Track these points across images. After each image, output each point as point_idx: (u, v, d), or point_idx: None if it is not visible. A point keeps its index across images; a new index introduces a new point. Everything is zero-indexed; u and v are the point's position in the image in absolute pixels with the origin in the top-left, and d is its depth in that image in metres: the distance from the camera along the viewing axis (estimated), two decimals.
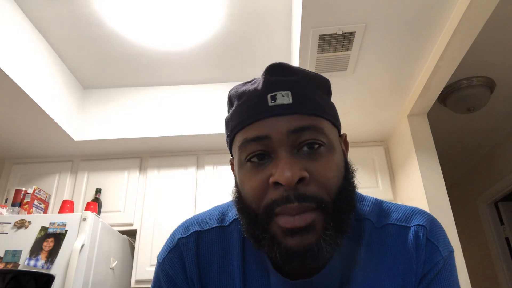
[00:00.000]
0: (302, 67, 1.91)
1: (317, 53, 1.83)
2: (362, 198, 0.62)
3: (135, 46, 2.27)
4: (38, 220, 1.98)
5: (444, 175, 2.21)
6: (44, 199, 2.41)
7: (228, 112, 0.58)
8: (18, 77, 1.95)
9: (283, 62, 0.55)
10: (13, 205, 2.24)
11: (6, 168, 2.67)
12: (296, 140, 0.49)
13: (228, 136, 0.57)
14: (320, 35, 1.73)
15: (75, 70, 2.48)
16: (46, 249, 1.89)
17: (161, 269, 0.61)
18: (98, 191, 2.50)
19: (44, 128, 2.34)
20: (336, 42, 1.77)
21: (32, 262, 1.86)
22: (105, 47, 2.28)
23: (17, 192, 2.29)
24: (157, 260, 0.63)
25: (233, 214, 0.62)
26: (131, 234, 2.50)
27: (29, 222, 1.97)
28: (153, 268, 2.30)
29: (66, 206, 2.29)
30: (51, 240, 1.91)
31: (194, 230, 0.61)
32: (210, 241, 0.60)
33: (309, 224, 0.47)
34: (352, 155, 2.61)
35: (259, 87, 0.53)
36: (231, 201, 0.64)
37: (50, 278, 0.78)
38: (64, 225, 1.95)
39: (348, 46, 1.79)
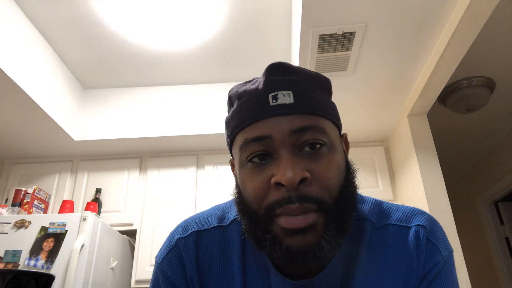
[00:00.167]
0: (302, 67, 1.91)
1: (317, 53, 1.83)
2: (362, 199, 0.62)
3: (135, 46, 2.27)
4: (38, 220, 1.98)
5: (444, 175, 2.21)
6: (44, 199, 2.41)
7: (228, 112, 0.58)
8: (18, 77, 1.95)
9: (283, 61, 0.54)
10: (13, 205, 2.24)
11: (6, 168, 2.67)
12: (297, 140, 0.49)
13: (228, 136, 0.56)
14: (320, 35, 1.73)
15: (75, 70, 2.48)
16: (46, 249, 1.89)
17: (160, 270, 0.60)
18: (98, 191, 2.50)
19: (44, 128, 2.34)
20: (336, 42, 1.77)
21: (32, 262, 1.86)
22: (105, 47, 2.28)
23: (17, 192, 2.29)
24: (156, 260, 0.62)
25: (233, 213, 0.62)
26: (131, 234, 2.50)
27: (29, 222, 1.97)
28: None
29: (66, 206, 2.29)
30: (51, 240, 1.91)
31: (194, 230, 0.61)
32: (210, 241, 0.60)
33: (310, 224, 0.47)
34: (352, 155, 2.60)
35: (260, 86, 0.52)
36: (230, 200, 0.64)
37: (50, 278, 0.78)
38: (64, 225, 1.95)
39: (348, 46, 1.79)
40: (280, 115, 0.50)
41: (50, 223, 1.96)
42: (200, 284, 0.58)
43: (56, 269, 1.84)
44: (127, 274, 2.39)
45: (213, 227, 0.61)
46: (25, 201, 2.27)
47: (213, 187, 2.54)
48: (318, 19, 1.65)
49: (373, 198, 0.62)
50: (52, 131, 2.37)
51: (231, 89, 0.58)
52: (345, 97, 2.18)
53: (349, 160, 0.57)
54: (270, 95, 0.51)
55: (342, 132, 0.59)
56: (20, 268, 1.84)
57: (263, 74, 0.53)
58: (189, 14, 2.05)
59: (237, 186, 0.55)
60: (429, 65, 1.89)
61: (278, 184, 0.47)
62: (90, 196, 2.51)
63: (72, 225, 1.95)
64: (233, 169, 0.60)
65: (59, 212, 2.31)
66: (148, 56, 2.36)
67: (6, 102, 2.09)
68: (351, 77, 2.02)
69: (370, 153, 2.63)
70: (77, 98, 2.57)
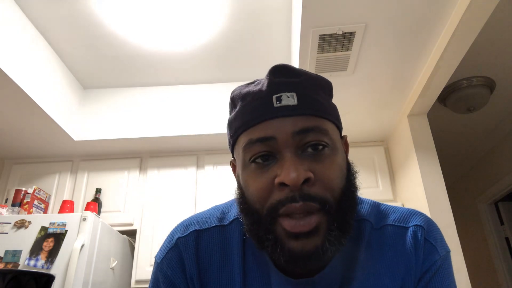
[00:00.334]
0: (302, 67, 1.91)
1: (317, 53, 1.83)
2: (360, 201, 0.62)
3: (135, 46, 2.27)
4: (38, 220, 1.98)
5: (444, 175, 2.21)
6: (44, 199, 2.41)
7: (231, 113, 0.58)
8: (18, 77, 1.95)
9: (286, 63, 0.55)
10: (13, 205, 2.24)
11: (6, 168, 2.67)
12: (300, 141, 0.50)
13: (231, 137, 0.57)
14: (320, 35, 1.73)
15: (75, 70, 2.48)
16: (46, 249, 1.89)
17: (160, 270, 0.60)
18: (98, 191, 2.50)
19: (44, 128, 2.34)
20: (336, 42, 1.77)
21: (32, 262, 1.86)
22: (105, 47, 2.28)
23: (17, 192, 2.29)
24: (155, 260, 0.62)
25: (233, 213, 0.62)
26: (131, 234, 2.50)
27: (29, 222, 1.97)
28: None
29: (66, 206, 2.29)
30: (51, 240, 1.91)
31: (193, 229, 0.61)
32: (210, 240, 0.60)
33: (313, 228, 0.48)
34: (352, 155, 2.60)
35: (264, 88, 0.53)
36: (231, 201, 0.64)
37: (50, 278, 0.78)
38: (64, 225, 1.95)
39: (348, 46, 1.79)
40: (284, 116, 0.50)
41: (50, 223, 1.96)
42: (200, 284, 0.58)
43: (56, 269, 1.84)
44: (127, 274, 2.39)
45: (213, 227, 0.61)
46: (25, 201, 2.27)
47: (213, 187, 2.54)
48: (318, 19, 1.65)
49: (371, 200, 0.63)
50: (52, 131, 2.37)
51: (234, 90, 0.58)
52: (345, 97, 2.18)
53: (350, 161, 0.57)
54: (274, 97, 0.51)
55: (343, 134, 0.59)
56: (20, 268, 1.84)
57: (267, 76, 0.54)
58: (189, 15, 2.05)
59: (240, 186, 0.55)
60: (429, 65, 1.89)
61: (282, 184, 0.48)
62: (90, 196, 2.51)
63: (72, 225, 1.95)
64: (234, 170, 0.61)
65: (59, 212, 2.31)
66: (148, 56, 2.36)
67: (6, 102, 2.09)
68: (351, 77, 2.02)
69: (370, 153, 2.63)
70: (77, 98, 2.57)
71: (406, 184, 2.34)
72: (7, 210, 2.15)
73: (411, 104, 2.19)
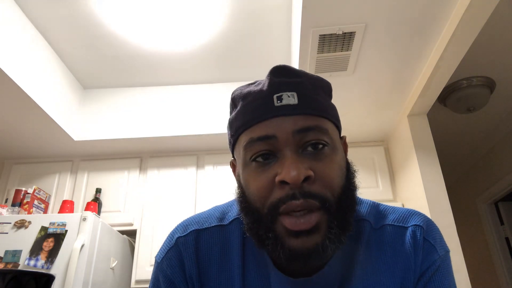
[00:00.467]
0: (302, 67, 1.91)
1: (317, 53, 1.83)
2: (360, 201, 0.63)
3: (135, 46, 2.27)
4: (38, 220, 1.98)
5: (444, 175, 2.21)
6: (44, 199, 2.41)
7: (231, 113, 0.59)
8: (18, 77, 1.95)
9: (286, 64, 0.56)
10: (13, 205, 2.24)
11: (6, 168, 2.67)
12: (301, 140, 0.50)
13: (232, 136, 0.57)
14: (320, 35, 1.73)
15: (75, 70, 2.48)
16: (46, 249, 1.89)
17: (160, 269, 0.60)
18: (98, 191, 2.50)
19: (44, 128, 2.34)
20: (336, 42, 1.77)
21: (32, 262, 1.86)
22: (105, 47, 2.28)
23: (17, 192, 2.29)
24: (155, 260, 0.62)
25: (233, 213, 0.62)
26: (131, 234, 2.50)
27: (29, 222, 1.97)
28: None
29: (66, 206, 2.29)
30: (51, 240, 1.91)
31: (193, 229, 0.61)
32: (210, 239, 0.60)
33: (314, 226, 0.48)
34: (352, 155, 2.61)
35: (265, 88, 0.53)
36: (231, 201, 0.65)
37: (50, 278, 0.78)
38: (64, 225, 1.95)
39: (348, 46, 1.79)
40: (285, 115, 0.51)
41: (50, 223, 1.96)
42: (199, 283, 0.58)
43: (56, 269, 1.84)
44: (127, 274, 2.39)
45: (213, 226, 0.61)
46: (25, 201, 2.27)
47: (213, 187, 2.54)
48: (318, 19, 1.65)
49: (370, 200, 0.64)
50: (52, 131, 2.37)
51: (235, 91, 0.59)
52: (345, 97, 2.18)
53: (349, 161, 0.58)
54: (275, 96, 0.52)
55: (342, 133, 0.60)
56: (20, 268, 1.84)
57: (267, 76, 0.55)
58: (189, 15, 2.05)
59: (240, 185, 0.56)
60: (429, 65, 1.89)
61: (283, 182, 0.48)
62: (90, 196, 2.51)
63: (72, 225, 1.95)
64: (234, 170, 0.61)
65: (59, 212, 2.31)
66: (148, 56, 2.36)
67: (6, 102, 2.09)
68: (351, 77, 2.02)
69: (370, 153, 2.63)
70: (77, 98, 2.57)
71: (406, 184, 2.34)
72: (7, 210, 2.15)
73: (411, 104, 2.19)
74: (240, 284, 0.57)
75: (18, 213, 2.19)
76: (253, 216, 0.52)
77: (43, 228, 1.95)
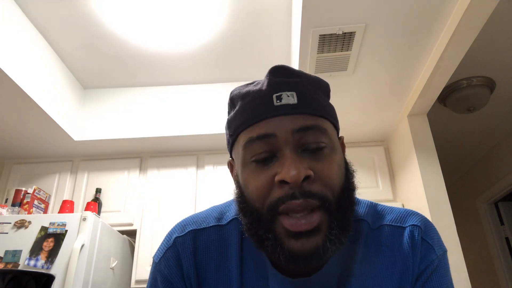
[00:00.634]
0: (302, 67, 1.91)
1: (317, 53, 1.83)
2: (357, 201, 0.63)
3: (135, 46, 2.27)
4: (38, 220, 1.98)
5: (444, 175, 2.21)
6: (44, 199, 2.41)
7: (229, 113, 0.59)
8: (18, 77, 1.95)
9: (285, 65, 0.56)
10: (13, 205, 2.24)
11: (6, 168, 2.67)
12: (300, 140, 0.50)
13: (230, 136, 0.57)
14: (320, 35, 1.73)
15: (75, 70, 2.48)
16: (46, 249, 1.89)
17: (158, 270, 0.60)
18: (98, 191, 2.50)
19: (44, 128, 2.34)
20: (336, 42, 1.77)
21: (32, 262, 1.86)
22: (105, 47, 2.28)
23: (17, 192, 2.29)
24: (153, 260, 0.62)
25: (231, 213, 0.62)
26: (131, 234, 2.50)
27: (29, 222, 1.97)
28: None
29: (66, 206, 2.29)
30: (51, 240, 1.91)
31: (191, 229, 0.61)
32: (208, 239, 0.60)
33: (315, 227, 0.48)
34: (352, 155, 2.61)
35: (264, 87, 0.53)
36: (229, 201, 0.65)
37: (50, 278, 0.78)
38: (64, 225, 1.95)
39: (348, 46, 1.79)
40: (284, 115, 0.51)
41: (50, 223, 1.96)
42: (197, 283, 0.58)
43: (56, 269, 1.84)
44: (127, 274, 2.39)
45: (211, 226, 0.61)
46: (25, 201, 2.27)
47: (213, 187, 2.54)
48: (318, 19, 1.65)
49: (367, 200, 0.64)
50: (52, 131, 2.37)
51: (233, 91, 0.59)
52: (345, 97, 2.18)
53: (348, 161, 0.58)
54: (274, 96, 0.52)
55: (342, 134, 0.60)
56: (20, 268, 1.85)
57: (266, 76, 0.54)
58: (189, 15, 2.05)
59: (238, 185, 0.55)
60: (429, 65, 1.89)
61: (282, 182, 0.48)
62: (90, 196, 2.51)
63: (72, 225, 1.95)
64: (231, 171, 0.61)
65: (59, 212, 2.31)
66: (148, 56, 2.36)
67: (6, 102, 2.09)
68: (351, 77, 2.02)
69: (370, 153, 2.63)
70: (77, 98, 2.57)
71: (406, 184, 2.34)
72: (7, 210, 2.15)
73: (411, 104, 2.19)
74: (238, 284, 0.57)
75: (18, 213, 2.19)
76: (252, 216, 0.51)
77: (43, 228, 1.95)
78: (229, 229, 0.60)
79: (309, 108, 0.52)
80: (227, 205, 0.65)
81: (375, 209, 0.62)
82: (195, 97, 2.61)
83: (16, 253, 1.88)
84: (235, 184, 0.57)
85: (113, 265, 2.17)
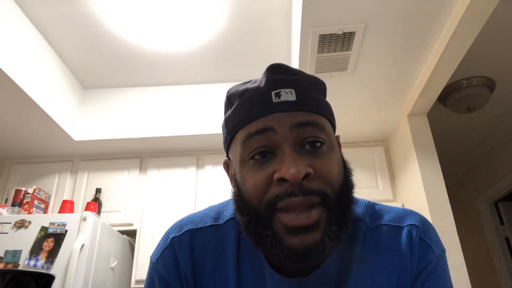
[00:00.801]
0: (302, 67, 1.92)
1: (317, 53, 1.83)
2: (355, 200, 0.62)
3: (135, 46, 2.27)
4: (38, 220, 1.98)
5: (444, 175, 2.21)
6: (44, 199, 2.41)
7: (226, 112, 0.58)
8: (18, 77, 1.95)
9: (282, 63, 0.56)
10: (13, 205, 2.24)
11: (6, 168, 2.67)
12: (299, 136, 0.50)
13: (228, 134, 0.57)
14: (320, 35, 1.73)
15: (75, 70, 2.48)
16: (46, 249, 1.89)
17: (155, 270, 0.60)
18: (98, 191, 2.50)
19: (44, 128, 2.34)
20: (336, 42, 1.77)
21: (32, 262, 1.86)
22: (105, 47, 2.28)
23: (17, 192, 2.29)
24: (151, 260, 0.62)
25: (229, 213, 0.62)
26: (131, 234, 2.50)
27: (29, 222, 1.97)
28: None
29: (66, 206, 2.29)
30: (51, 240, 1.91)
31: (188, 228, 0.61)
32: (205, 239, 0.60)
33: (314, 222, 0.47)
34: (352, 155, 2.61)
35: (262, 84, 0.53)
36: (226, 201, 0.65)
37: (50, 278, 0.78)
38: (64, 225, 1.95)
39: (348, 46, 1.79)
40: (283, 111, 0.51)
41: (50, 223, 1.96)
42: (194, 283, 0.58)
43: (56, 269, 1.84)
44: (127, 274, 2.39)
45: (208, 226, 0.61)
46: (25, 201, 2.27)
47: (213, 187, 2.54)
48: (318, 19, 1.65)
49: (365, 200, 0.63)
50: (52, 131, 2.37)
51: (230, 89, 0.58)
52: (345, 97, 2.18)
53: (346, 159, 0.58)
54: (273, 93, 0.52)
55: (341, 135, 0.60)
56: (20, 268, 1.84)
57: (264, 74, 0.54)
58: (189, 15, 2.05)
59: (236, 184, 0.55)
60: (429, 65, 1.89)
61: (282, 180, 0.48)
62: (90, 196, 2.51)
63: (72, 225, 1.95)
64: (227, 170, 0.61)
65: (59, 212, 2.31)
66: (148, 56, 2.36)
67: (6, 102, 2.09)
68: (351, 77, 2.02)
69: (370, 153, 2.63)
70: (77, 98, 2.57)
71: (406, 184, 2.34)
72: (7, 210, 2.15)
73: (411, 104, 2.19)
74: (235, 284, 0.57)
75: (18, 213, 2.19)
76: (250, 214, 0.51)
77: (43, 228, 1.95)
78: (226, 228, 0.60)
79: (307, 105, 0.52)
80: (224, 204, 0.65)
81: (373, 209, 0.62)
82: (195, 97, 2.61)
83: (16, 253, 1.88)
84: (232, 183, 0.57)
85: (113, 265, 2.17)
